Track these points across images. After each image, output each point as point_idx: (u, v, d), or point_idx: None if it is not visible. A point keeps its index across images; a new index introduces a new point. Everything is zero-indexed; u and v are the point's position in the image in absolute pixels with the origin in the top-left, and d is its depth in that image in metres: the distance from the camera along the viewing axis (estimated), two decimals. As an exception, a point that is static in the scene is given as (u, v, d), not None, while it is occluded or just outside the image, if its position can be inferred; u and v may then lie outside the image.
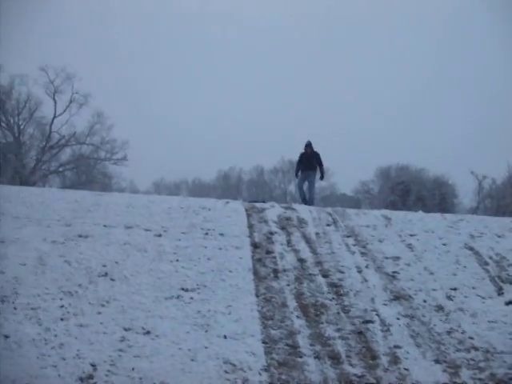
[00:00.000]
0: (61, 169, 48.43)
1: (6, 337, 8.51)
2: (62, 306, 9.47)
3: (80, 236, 12.23)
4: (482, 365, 8.93)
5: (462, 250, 13.15)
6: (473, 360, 9.04)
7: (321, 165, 19.54)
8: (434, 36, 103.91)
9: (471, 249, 13.24)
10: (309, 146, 19.64)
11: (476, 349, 9.36)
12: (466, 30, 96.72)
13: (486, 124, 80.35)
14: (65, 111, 47.07)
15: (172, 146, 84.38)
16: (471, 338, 9.65)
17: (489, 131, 78.08)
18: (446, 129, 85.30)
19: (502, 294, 11.33)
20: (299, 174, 19.87)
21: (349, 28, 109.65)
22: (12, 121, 45.92)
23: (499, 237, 14.13)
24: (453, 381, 8.49)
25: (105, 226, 12.93)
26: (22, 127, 46.51)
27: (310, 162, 19.54)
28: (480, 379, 8.58)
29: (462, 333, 9.82)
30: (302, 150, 19.94)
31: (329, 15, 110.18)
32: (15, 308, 9.30)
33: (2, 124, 45.59)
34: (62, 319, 9.09)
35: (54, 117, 46.90)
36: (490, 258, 12.82)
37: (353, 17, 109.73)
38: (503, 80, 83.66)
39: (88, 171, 49.18)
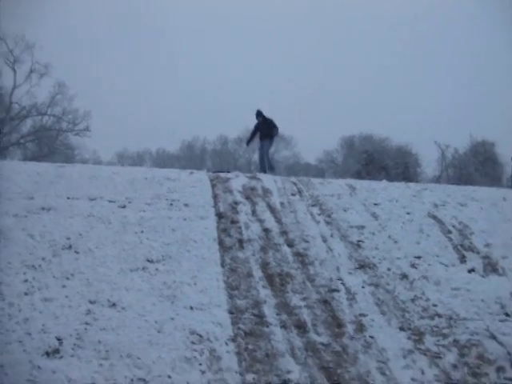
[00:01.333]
0: (22, 141, 47.74)
1: (-31, 312, 8.40)
2: (26, 281, 9.34)
3: (43, 209, 12.07)
4: (445, 331, 9.06)
5: (425, 219, 13.28)
6: (436, 327, 9.17)
7: (276, 127, 19.50)
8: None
9: (434, 217, 13.38)
10: (259, 115, 19.61)
11: (439, 316, 9.48)
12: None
13: (449, 94, 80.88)
14: (25, 82, 46.37)
15: (135, 116, 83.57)
16: (435, 306, 9.78)
17: (452, 101, 78.55)
18: (410, 98, 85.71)
19: (465, 261, 11.48)
20: (258, 143, 19.91)
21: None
22: (-30, 92, 45.19)
23: (462, 206, 14.30)
24: (417, 347, 8.60)
25: (68, 198, 12.77)
26: (-20, 98, 45.80)
27: (265, 130, 19.52)
28: (443, 345, 8.71)
29: (426, 300, 9.94)
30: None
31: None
32: (-23, 283, 9.18)
33: (-40, 95, 44.85)
34: (26, 294, 8.97)
35: (14, 87, 46.11)
36: (453, 226, 12.98)
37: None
38: (467, 50, 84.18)
39: (50, 143, 48.55)
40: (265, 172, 18.69)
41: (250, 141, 20.75)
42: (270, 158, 19.91)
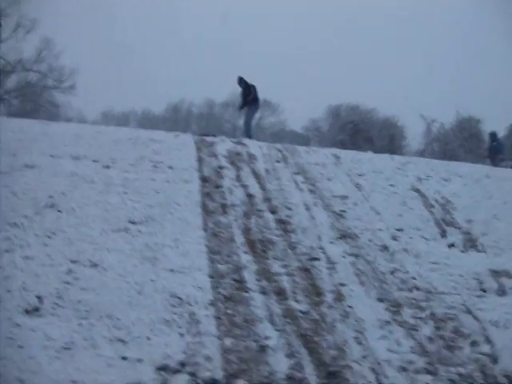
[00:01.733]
0: (6, 96, 47.17)
1: None
2: (8, 238, 9.30)
3: (26, 166, 11.96)
4: (422, 304, 9.16)
5: (408, 192, 13.35)
6: (414, 299, 9.26)
7: (253, 97, 19.30)
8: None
9: (418, 191, 13.45)
10: (241, 81, 19.41)
11: (418, 289, 9.58)
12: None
13: (439, 67, 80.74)
14: (11, 37, 45.64)
15: (122, 75, 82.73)
16: (414, 279, 9.87)
17: (441, 75, 78.44)
18: (398, 70, 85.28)
19: (446, 236, 11.59)
20: (245, 109, 19.73)
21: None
22: (-46, 43, 44.44)
23: (445, 180, 14.38)
24: (394, 319, 8.69)
25: (51, 156, 12.68)
26: (-36, 52, 45.11)
27: (248, 96, 19.34)
28: (420, 318, 8.81)
29: (405, 273, 10.03)
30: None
31: None
32: (-42, 240, 9.14)
33: None
34: (7, 251, 8.93)
35: (0, 42, 45.48)
36: (436, 201, 13.06)
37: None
38: (456, 24, 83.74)
39: (35, 99, 47.97)
40: (250, 138, 18.55)
41: (241, 107, 20.43)
42: (249, 125, 19.67)
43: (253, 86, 19.32)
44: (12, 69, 46.13)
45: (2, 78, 46.35)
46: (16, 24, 45.43)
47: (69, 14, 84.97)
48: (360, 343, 8.07)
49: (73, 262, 8.90)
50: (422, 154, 43.18)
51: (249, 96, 19.17)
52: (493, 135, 23.38)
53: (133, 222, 10.41)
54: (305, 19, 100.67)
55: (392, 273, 10.01)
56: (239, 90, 19.92)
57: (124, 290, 8.40)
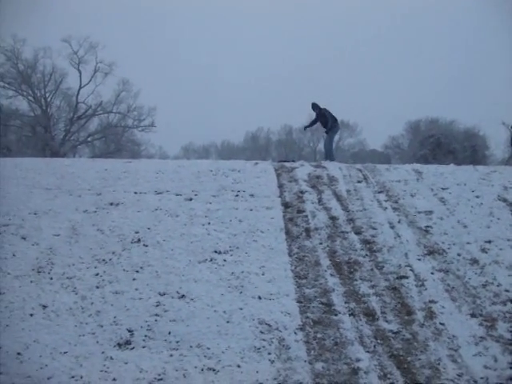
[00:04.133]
0: (89, 139, 48.56)
1: (44, 307, 8.67)
2: (97, 274, 9.59)
3: (111, 204, 12.32)
4: (518, 317, 8.87)
5: (495, 202, 12.99)
6: (509, 313, 8.97)
7: (330, 119, 19.15)
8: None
9: (505, 200, 13.07)
10: (315, 108, 19.31)
11: (512, 301, 9.29)
12: None
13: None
14: (90, 81, 47.01)
15: (199, 109, 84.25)
16: (507, 291, 9.56)
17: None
18: (476, 80, 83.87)
19: (538, 244, 11.19)
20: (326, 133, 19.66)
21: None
22: (39, 94, 45.95)
23: (533, 187, 13.93)
24: (489, 334, 8.44)
25: (135, 192, 12.99)
26: (48, 100, 46.54)
27: (324, 122, 19.20)
28: (517, 331, 8.53)
29: (498, 285, 9.74)
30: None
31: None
32: (51, 278, 9.46)
33: (29, 97, 45.71)
34: (97, 287, 9.21)
35: (80, 87, 46.89)
36: (525, 208, 12.67)
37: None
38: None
39: (116, 140, 49.23)
40: (332, 160, 18.35)
41: (307, 126, 21.05)
42: (329, 149, 19.49)
43: (326, 110, 19.19)
44: (93, 112, 47.54)
45: (85, 122, 47.81)
46: (94, 69, 46.95)
47: (144, 54, 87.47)
48: (455, 361, 7.87)
49: (161, 294, 9.07)
50: (507, 162, 42.14)
51: (324, 120, 19.06)
52: None
53: (218, 252, 10.52)
54: (374, 38, 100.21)
55: (484, 286, 9.74)
56: (314, 116, 19.90)
57: (212, 319, 8.47)
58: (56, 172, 14.33)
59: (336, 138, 21.84)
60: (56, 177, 13.96)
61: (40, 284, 9.29)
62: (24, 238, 10.79)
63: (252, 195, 13.06)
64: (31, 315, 8.50)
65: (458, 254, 10.74)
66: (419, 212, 12.46)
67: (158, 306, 8.77)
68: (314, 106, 19.29)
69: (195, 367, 7.43)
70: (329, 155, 18.61)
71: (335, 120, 19.21)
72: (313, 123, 20.25)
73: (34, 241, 10.69)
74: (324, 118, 18.95)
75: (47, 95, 46.57)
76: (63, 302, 8.80)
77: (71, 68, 46.86)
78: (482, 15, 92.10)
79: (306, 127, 21.40)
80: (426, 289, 9.60)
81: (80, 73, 47.03)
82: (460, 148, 42.39)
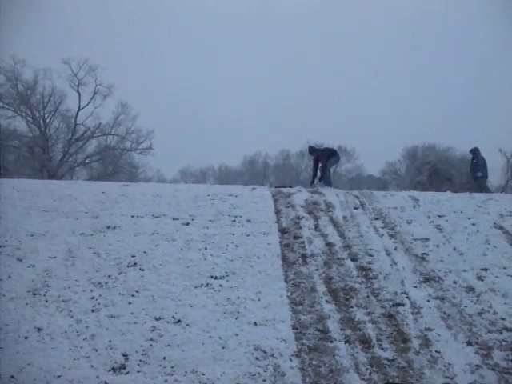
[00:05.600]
0: (87, 161, 48.60)
1: (39, 329, 8.64)
2: (93, 298, 9.57)
3: (108, 227, 12.33)
4: (514, 345, 8.85)
5: (491, 230, 13.02)
6: (505, 341, 8.95)
7: (332, 154, 18.81)
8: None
9: (501, 228, 13.11)
10: (312, 151, 18.98)
11: (508, 330, 9.26)
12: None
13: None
14: (89, 103, 47.10)
15: (197, 132, 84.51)
16: (503, 319, 9.55)
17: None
18: (474, 107, 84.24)
19: (534, 272, 11.20)
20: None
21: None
22: (37, 115, 46.06)
23: (529, 215, 13.97)
24: (485, 362, 8.41)
25: (132, 216, 13.01)
26: (47, 121, 46.66)
27: (323, 160, 18.69)
28: (513, 360, 8.52)
29: (494, 313, 9.73)
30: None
31: None
32: (47, 301, 9.44)
33: (28, 118, 45.77)
34: (92, 310, 9.19)
35: (79, 109, 47.03)
36: (521, 236, 12.70)
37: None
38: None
39: (114, 162, 49.24)
40: (329, 185, 18.14)
41: (313, 180, 19.58)
42: (326, 175, 19.18)
43: (320, 152, 18.77)
44: (92, 134, 47.64)
45: (83, 144, 47.87)
46: (94, 91, 47.11)
47: (143, 77, 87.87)
48: (451, 389, 7.85)
49: (157, 319, 9.05)
50: (503, 189, 42.25)
51: (325, 159, 18.54)
52: (474, 152, 21.72)
53: (214, 277, 10.51)
54: (372, 62, 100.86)
55: (480, 314, 9.73)
56: (311, 159, 19.46)
57: (208, 344, 8.45)
58: (53, 194, 14.36)
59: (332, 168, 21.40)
60: (53, 199, 13.99)
61: (35, 306, 9.26)
62: (20, 260, 10.78)
63: (249, 220, 13.09)
64: (26, 338, 8.46)
65: (454, 282, 10.74)
66: (415, 239, 12.48)
67: (153, 330, 8.74)
68: (312, 150, 19.07)
69: (190, 393, 7.42)
70: (326, 181, 18.47)
71: (334, 153, 18.96)
72: (315, 171, 19.25)
73: (30, 263, 10.67)
74: (325, 157, 18.48)
75: (46, 116, 46.72)
76: (58, 325, 8.76)
77: (71, 90, 47.03)
78: (477, 41, 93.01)
79: (312, 182, 19.85)
80: (421, 316, 9.59)
81: (79, 94, 47.21)
82: (457, 174, 42.43)
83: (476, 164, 20.87)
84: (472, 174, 21.46)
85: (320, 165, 18.40)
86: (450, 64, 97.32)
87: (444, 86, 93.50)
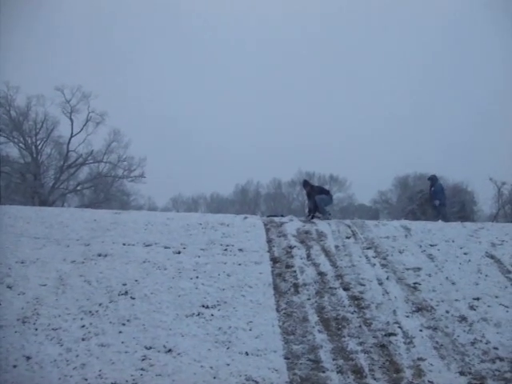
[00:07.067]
0: (79, 187, 48.49)
1: (28, 358, 8.54)
2: (83, 326, 9.48)
3: (99, 255, 12.27)
4: (507, 375, 8.82)
5: (483, 259, 13.03)
6: (498, 371, 8.93)
7: (325, 193, 18.57)
8: (439, 37, 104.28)
9: (493, 257, 13.12)
10: (306, 185, 18.78)
11: (501, 359, 9.24)
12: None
13: (505, 130, 79.90)
14: (82, 130, 47.08)
15: (189, 161, 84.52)
16: (496, 349, 9.53)
17: (508, 137, 77.59)
18: (465, 136, 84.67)
19: (526, 302, 11.19)
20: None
21: (351, 33, 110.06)
22: (30, 141, 46.02)
23: (521, 244, 13.99)
24: (478, 392, 8.39)
25: (124, 244, 12.96)
26: (39, 147, 46.61)
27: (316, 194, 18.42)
28: (506, 390, 8.48)
29: (486, 343, 9.71)
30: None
31: (333, 19, 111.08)
32: (36, 329, 9.35)
33: (20, 144, 45.74)
34: (83, 339, 9.10)
35: (71, 136, 46.98)
36: (512, 266, 12.70)
37: (358, 22, 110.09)
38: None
39: (106, 189, 49.16)
40: (323, 214, 17.72)
41: (310, 214, 19.14)
42: (322, 208, 18.88)
43: (319, 187, 18.66)
44: (83, 161, 47.59)
45: (75, 171, 47.81)
46: (86, 118, 47.16)
47: (135, 105, 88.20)
48: (444, 420, 7.80)
49: (147, 348, 8.97)
50: (494, 218, 42.38)
51: (317, 194, 18.29)
52: (432, 179, 21.51)
53: (206, 307, 10.45)
54: (364, 94, 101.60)
55: (472, 344, 9.70)
56: (305, 192, 19.30)
57: (199, 374, 8.37)
58: (45, 221, 14.31)
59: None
60: (45, 226, 13.94)
61: (24, 335, 9.18)
62: (10, 287, 10.70)
63: (241, 249, 13.06)
64: (14, 366, 8.37)
65: (447, 311, 10.73)
66: (407, 268, 12.47)
67: (144, 359, 8.66)
68: (305, 184, 18.94)
69: (181, 424, 7.34)
70: (322, 212, 18.13)
71: (326, 192, 18.69)
72: (310, 205, 18.92)
73: (20, 290, 10.59)
74: (317, 192, 18.25)
75: (38, 143, 46.65)
76: (48, 354, 8.67)
77: (63, 116, 47.02)
78: (469, 66, 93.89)
79: (308, 216, 19.34)
80: (414, 346, 9.56)
81: (72, 121, 47.20)
82: (448, 203, 42.53)
83: (434, 192, 20.77)
84: (431, 202, 21.39)
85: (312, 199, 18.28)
86: (443, 98, 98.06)
87: (437, 117, 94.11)
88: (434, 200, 20.80)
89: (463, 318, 10.51)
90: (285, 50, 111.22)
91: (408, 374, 8.79)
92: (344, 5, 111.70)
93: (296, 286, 11.53)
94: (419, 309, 10.80)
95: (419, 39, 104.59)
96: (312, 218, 17.40)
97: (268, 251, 13.13)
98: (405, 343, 9.65)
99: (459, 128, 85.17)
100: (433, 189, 20.90)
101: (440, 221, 17.49)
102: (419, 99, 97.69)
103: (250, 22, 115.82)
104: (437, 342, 9.71)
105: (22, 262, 11.70)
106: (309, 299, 11.03)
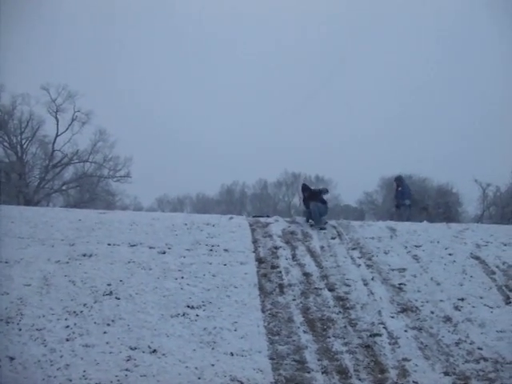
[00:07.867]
0: (64, 187, 48.26)
1: (12, 358, 8.48)
2: (68, 327, 9.43)
3: (84, 255, 12.21)
4: (491, 376, 8.85)
5: (468, 260, 13.08)
6: (482, 371, 8.96)
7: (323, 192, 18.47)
8: (434, 42, 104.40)
9: (477, 258, 13.18)
10: (305, 190, 18.67)
11: (485, 359, 9.28)
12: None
13: (490, 132, 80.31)
14: (67, 129, 46.87)
15: (175, 161, 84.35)
16: (480, 349, 9.57)
17: (493, 139, 77.98)
18: (449, 137, 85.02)
19: (510, 303, 11.25)
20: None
21: (347, 35, 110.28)
22: (15, 140, 45.77)
23: (505, 245, 14.05)
24: (463, 393, 8.41)
25: (109, 244, 12.90)
26: (24, 146, 46.35)
27: (314, 199, 18.25)
28: (490, 390, 8.51)
29: (471, 343, 9.75)
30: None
31: (329, 22, 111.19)
32: (20, 329, 9.28)
33: (5, 144, 45.46)
34: (67, 340, 9.05)
35: (57, 135, 46.78)
36: (497, 266, 12.75)
37: (352, 25, 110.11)
38: (506, 87, 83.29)
39: (91, 189, 48.93)
40: (317, 223, 17.48)
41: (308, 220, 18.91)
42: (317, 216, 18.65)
43: (317, 191, 18.52)
44: (69, 161, 47.38)
45: (60, 170, 47.61)
46: (72, 118, 46.95)
47: (121, 105, 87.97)
48: (428, 420, 7.82)
49: (132, 348, 8.94)
50: (479, 219, 42.55)
51: (315, 198, 18.09)
52: (398, 180, 21.48)
53: (191, 307, 10.43)
54: (351, 93, 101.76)
55: (457, 344, 9.74)
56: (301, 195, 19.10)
57: (184, 375, 8.35)
58: (30, 221, 14.22)
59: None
60: (29, 225, 13.85)
61: (8, 335, 9.11)
62: (-6, 288, 10.63)
63: (226, 250, 13.04)
64: (-2, 367, 8.31)
65: (432, 312, 10.76)
66: (393, 269, 12.50)
67: (128, 360, 8.63)
68: (305, 189, 18.72)
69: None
70: (316, 221, 17.91)
71: (323, 201, 18.57)
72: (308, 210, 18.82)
73: (3, 290, 10.51)
74: (316, 196, 18.10)
75: (23, 142, 46.37)
76: (31, 355, 8.61)
77: (49, 116, 46.75)
78: (456, 66, 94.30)
79: (302, 205, 19.05)
80: (399, 347, 9.58)
81: (57, 121, 46.97)
82: (433, 204, 42.71)
83: (402, 192, 20.71)
84: (397, 201, 21.24)
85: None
86: (434, 98, 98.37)
87: (420, 118, 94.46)
88: (401, 200, 20.70)
89: (448, 319, 10.55)
90: (278, 51, 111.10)
91: (393, 374, 8.81)
92: (344, 5, 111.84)
93: (281, 286, 11.53)
94: (404, 309, 10.83)
95: (419, 39, 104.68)
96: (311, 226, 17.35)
97: (253, 251, 13.12)
98: (390, 344, 9.67)
99: (445, 130, 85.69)
100: (400, 189, 20.85)
101: (425, 221, 17.49)
102: (405, 100, 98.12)
103: (244, 21, 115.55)
104: (421, 343, 9.74)
105: (6, 262, 11.61)
106: (294, 300, 11.03)
